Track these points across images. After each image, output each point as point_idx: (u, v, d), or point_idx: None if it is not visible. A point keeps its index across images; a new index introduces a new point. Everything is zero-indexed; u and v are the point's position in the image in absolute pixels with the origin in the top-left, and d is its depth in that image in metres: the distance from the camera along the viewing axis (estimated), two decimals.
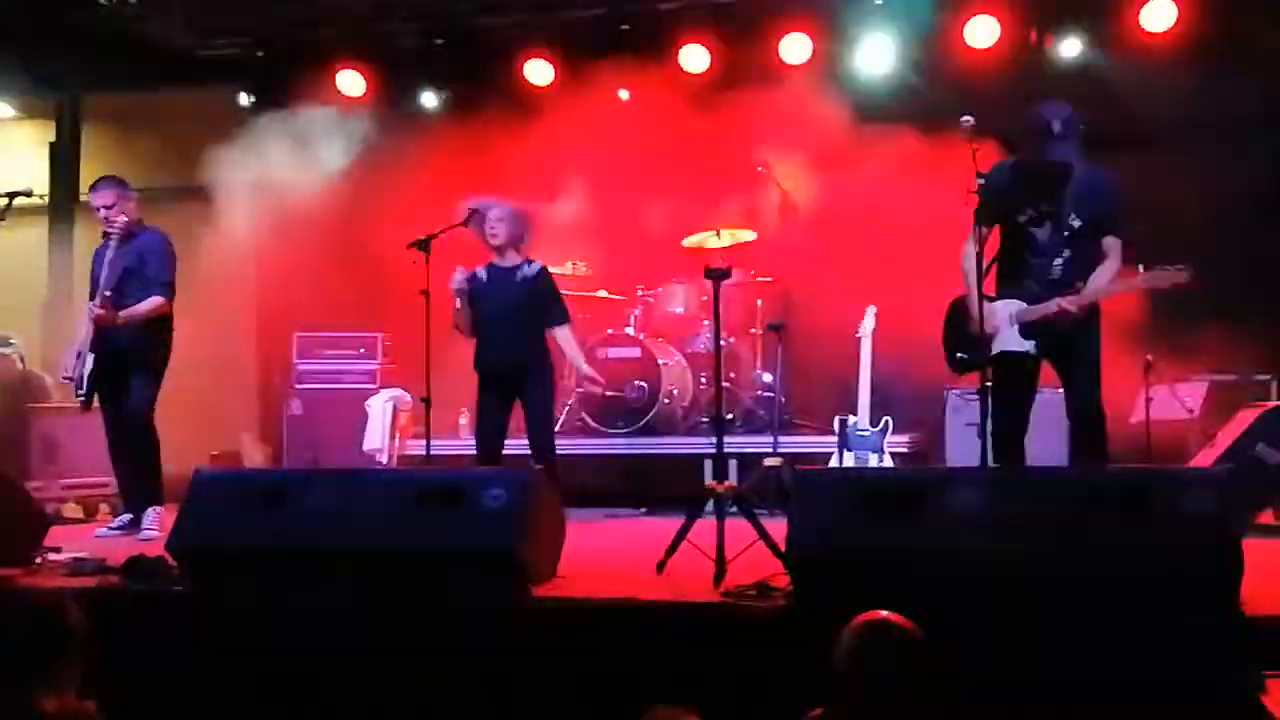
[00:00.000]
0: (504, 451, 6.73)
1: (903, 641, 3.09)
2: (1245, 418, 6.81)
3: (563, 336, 6.83)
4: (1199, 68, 8.41)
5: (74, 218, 11.14)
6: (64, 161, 11.29)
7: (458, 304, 6.56)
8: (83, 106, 11.28)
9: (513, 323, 6.58)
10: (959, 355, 5.59)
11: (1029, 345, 5.38)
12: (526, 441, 6.71)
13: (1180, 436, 7.39)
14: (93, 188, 7.12)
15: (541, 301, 6.70)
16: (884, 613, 3.17)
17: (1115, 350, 7.58)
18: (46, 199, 11.14)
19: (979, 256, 5.29)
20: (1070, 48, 8.67)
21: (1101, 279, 5.32)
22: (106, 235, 7.00)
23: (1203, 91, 8.62)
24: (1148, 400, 7.30)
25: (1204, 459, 6.77)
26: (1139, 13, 8.33)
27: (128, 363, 6.90)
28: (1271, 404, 7.05)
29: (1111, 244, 5.35)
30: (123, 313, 6.80)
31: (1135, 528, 4.14)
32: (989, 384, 5.39)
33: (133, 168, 10.33)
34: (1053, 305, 5.28)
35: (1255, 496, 6.38)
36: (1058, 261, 5.35)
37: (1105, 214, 5.35)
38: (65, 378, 6.97)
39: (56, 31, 9.48)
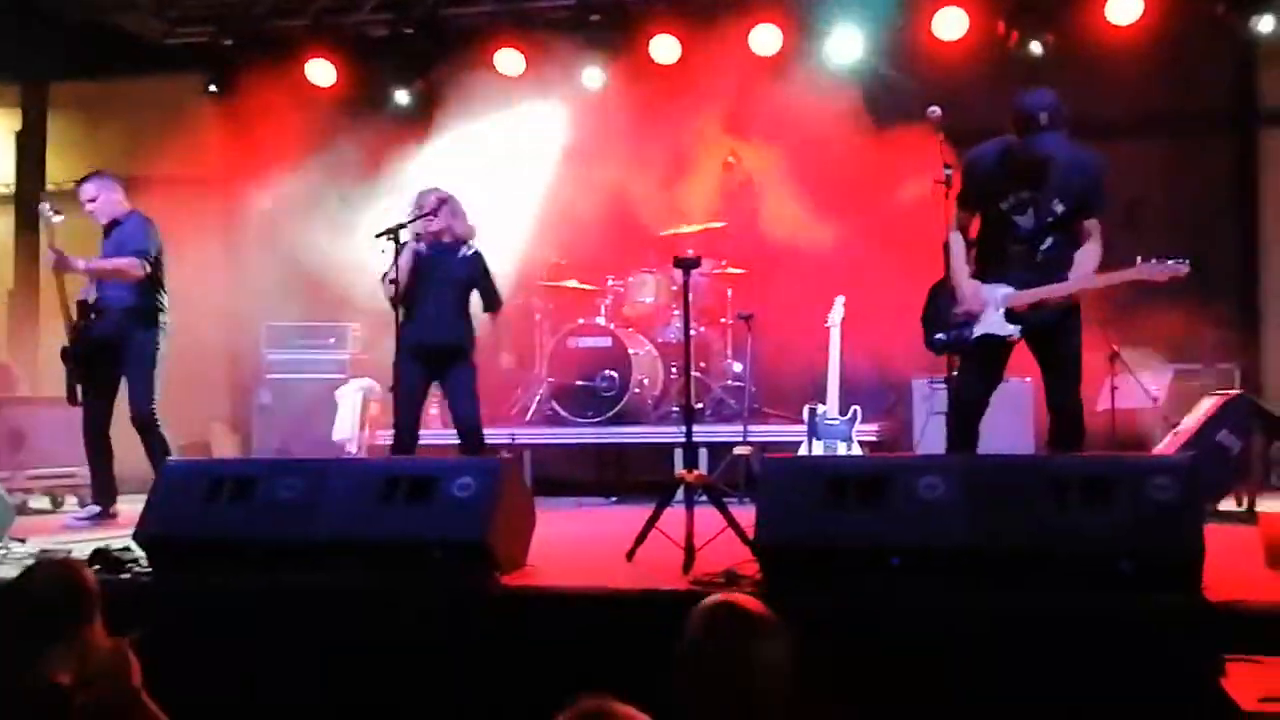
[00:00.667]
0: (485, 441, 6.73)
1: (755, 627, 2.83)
2: (1209, 406, 6.89)
3: (496, 320, 6.86)
4: (1164, 61, 8.49)
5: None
6: (30, 150, 11.19)
7: (394, 274, 6.29)
8: (49, 95, 11.18)
9: (448, 302, 6.58)
10: (938, 336, 5.53)
11: (1013, 330, 5.36)
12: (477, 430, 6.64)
13: (1145, 424, 7.48)
14: (78, 184, 7.12)
15: (479, 285, 6.69)
16: (738, 596, 2.96)
17: (1082, 340, 7.67)
18: (13, 188, 11.05)
19: (962, 239, 5.43)
20: (1038, 41, 8.70)
21: (1087, 265, 5.30)
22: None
23: (1168, 84, 8.71)
24: (1113, 389, 7.38)
25: (1168, 446, 6.85)
26: (1105, 5, 8.38)
27: (116, 353, 6.88)
28: (1234, 392, 7.13)
29: (1093, 225, 5.33)
30: (84, 262, 6.81)
31: (1099, 514, 4.19)
32: (957, 370, 5.47)
33: (100, 156, 10.29)
34: (1043, 292, 5.28)
35: (1218, 483, 6.45)
36: (1043, 247, 5.34)
37: (1089, 198, 5.33)
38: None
39: (22, 19, 9.39)
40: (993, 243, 5.43)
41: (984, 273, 5.44)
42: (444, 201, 6.62)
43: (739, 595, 2.96)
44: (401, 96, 9.81)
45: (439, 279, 6.56)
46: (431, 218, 6.55)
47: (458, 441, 6.73)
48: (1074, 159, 5.24)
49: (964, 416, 5.46)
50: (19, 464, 8.03)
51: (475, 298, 6.77)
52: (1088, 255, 5.30)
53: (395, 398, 6.58)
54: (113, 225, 6.99)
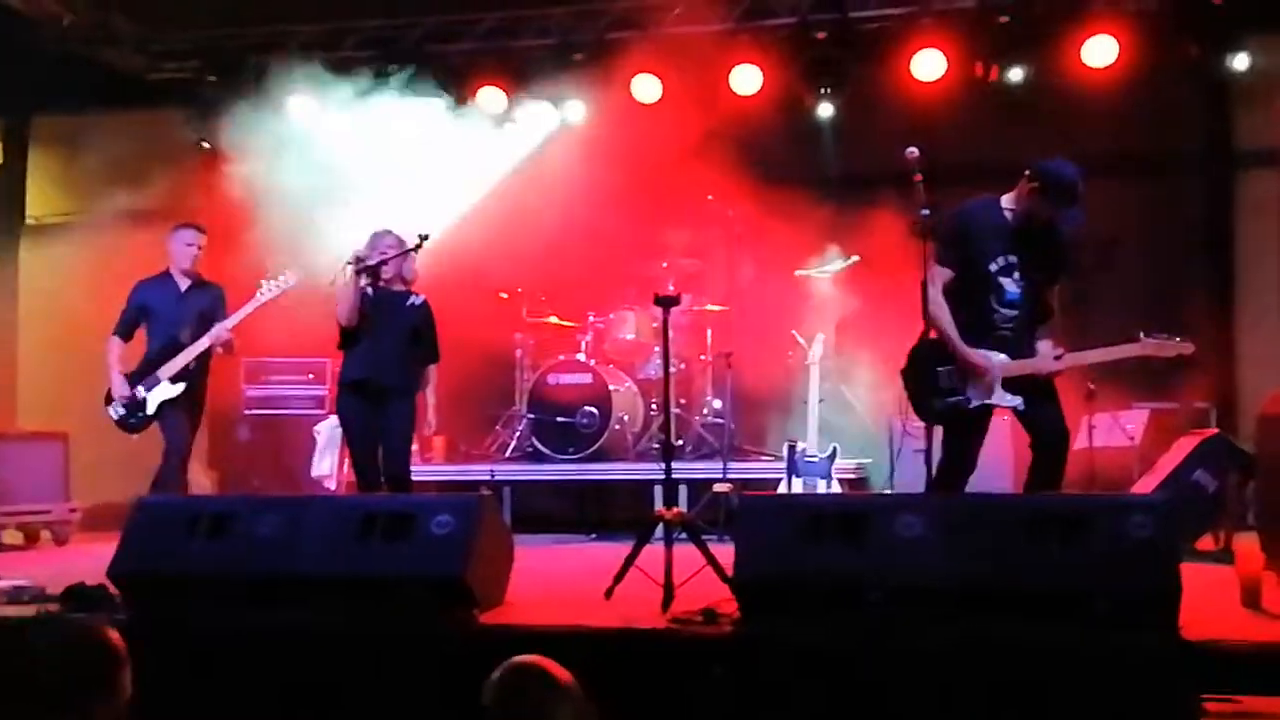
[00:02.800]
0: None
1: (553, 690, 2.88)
2: (1185, 445, 6.92)
3: (430, 372, 6.74)
4: (1140, 102, 8.59)
5: (19, 240, 11.00)
6: (10, 184, 11.15)
7: (348, 287, 6.33)
8: (30, 128, 11.15)
9: (397, 344, 6.48)
10: (936, 404, 5.29)
11: (1017, 401, 5.27)
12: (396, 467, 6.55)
13: (1122, 463, 7.50)
14: (181, 227, 7.36)
15: (423, 335, 6.62)
16: (536, 658, 2.98)
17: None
18: None
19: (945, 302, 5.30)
20: (1015, 82, 8.79)
21: (1089, 355, 5.38)
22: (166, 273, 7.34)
23: (1144, 125, 8.81)
24: (1090, 428, 7.40)
25: (1144, 485, 6.88)
26: (1081, 47, 8.47)
27: (182, 398, 7.14)
28: (1210, 431, 7.18)
29: (1053, 293, 5.41)
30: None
31: (1076, 553, 4.20)
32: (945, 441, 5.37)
33: (80, 191, 10.29)
34: (1051, 365, 5.28)
35: (1194, 522, 6.48)
36: (1026, 312, 5.32)
37: (1065, 265, 5.44)
38: (124, 398, 7.14)
39: (3, 52, 9.39)
40: (974, 303, 5.31)
41: (963, 334, 5.31)
42: (403, 244, 6.54)
43: (535, 657, 2.96)
44: (383, 131, 9.79)
45: (387, 322, 6.50)
46: (397, 259, 6.50)
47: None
48: (1068, 230, 5.30)
49: (955, 484, 5.32)
50: None
51: None
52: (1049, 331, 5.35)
53: (348, 439, 6.57)
54: (200, 281, 7.36)
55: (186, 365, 7.11)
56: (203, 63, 9.97)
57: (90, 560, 5.66)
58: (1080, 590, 4.14)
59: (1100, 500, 4.81)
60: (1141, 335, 5.32)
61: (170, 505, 5.46)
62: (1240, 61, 8.45)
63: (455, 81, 9.46)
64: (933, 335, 5.23)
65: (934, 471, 5.23)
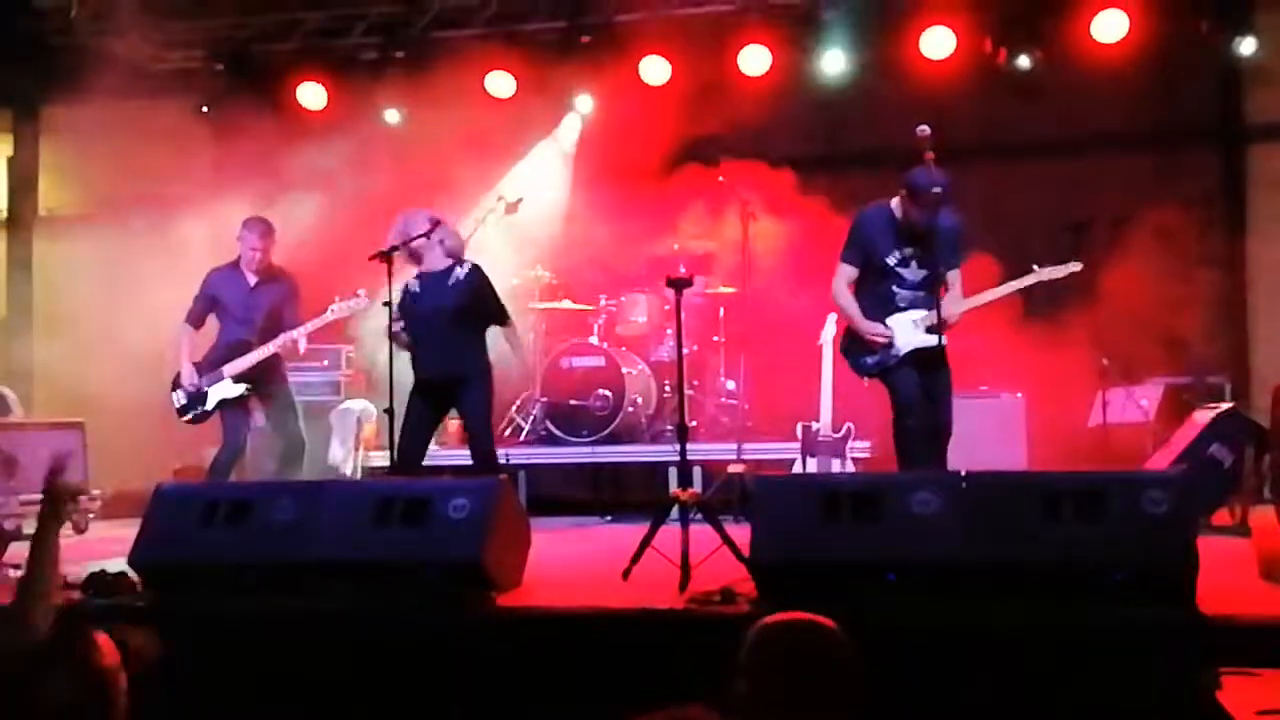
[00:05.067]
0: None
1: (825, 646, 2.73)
2: (1200, 419, 6.91)
3: (507, 335, 6.65)
4: (1150, 77, 8.55)
5: (33, 233, 11.03)
6: (22, 176, 11.18)
7: (394, 327, 6.35)
8: (40, 120, 11.17)
9: (447, 330, 6.37)
10: (867, 360, 6.22)
11: (934, 338, 6.01)
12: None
13: (1137, 439, 7.50)
14: (244, 226, 7.31)
15: (478, 303, 6.48)
16: (799, 615, 2.80)
17: (1072, 355, 7.72)
18: (4, 213, 11.04)
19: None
20: (1025, 58, 8.75)
21: (964, 301, 6.18)
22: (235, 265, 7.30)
23: (1154, 100, 8.77)
24: (1104, 404, 7.40)
25: (1159, 460, 6.87)
26: (1091, 23, 8.43)
27: (247, 397, 7.24)
28: (1225, 405, 7.16)
29: (956, 275, 6.20)
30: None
31: (1093, 529, 4.21)
32: (908, 384, 6.08)
33: (92, 180, 10.31)
34: (963, 305, 6.14)
35: (1210, 497, 6.47)
36: (922, 294, 6.12)
37: (957, 255, 6.19)
38: (190, 388, 7.18)
39: (12, 44, 9.41)
40: (877, 290, 6.17)
41: (873, 316, 6.17)
42: (436, 224, 6.48)
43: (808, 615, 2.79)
44: (391, 118, 9.81)
45: (431, 312, 6.39)
46: (425, 240, 6.46)
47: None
48: (949, 226, 6.06)
49: (928, 427, 6.06)
50: (12, 490, 8.00)
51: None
52: (958, 293, 6.18)
53: (403, 426, 6.44)
54: (269, 276, 7.34)
55: (251, 367, 7.11)
56: (210, 52, 9.97)
57: (110, 548, 5.71)
58: (1097, 565, 4.15)
59: (1116, 476, 4.80)
60: (1035, 266, 6.16)
61: (189, 492, 5.49)
62: (1247, 45, 8.40)
63: (462, 66, 9.44)
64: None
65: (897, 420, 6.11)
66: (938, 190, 5.82)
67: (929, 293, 6.11)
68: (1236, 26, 8.39)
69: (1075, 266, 6.20)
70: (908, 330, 6.13)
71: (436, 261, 6.48)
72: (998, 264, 6.87)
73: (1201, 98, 9.10)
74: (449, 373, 6.42)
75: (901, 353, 6.12)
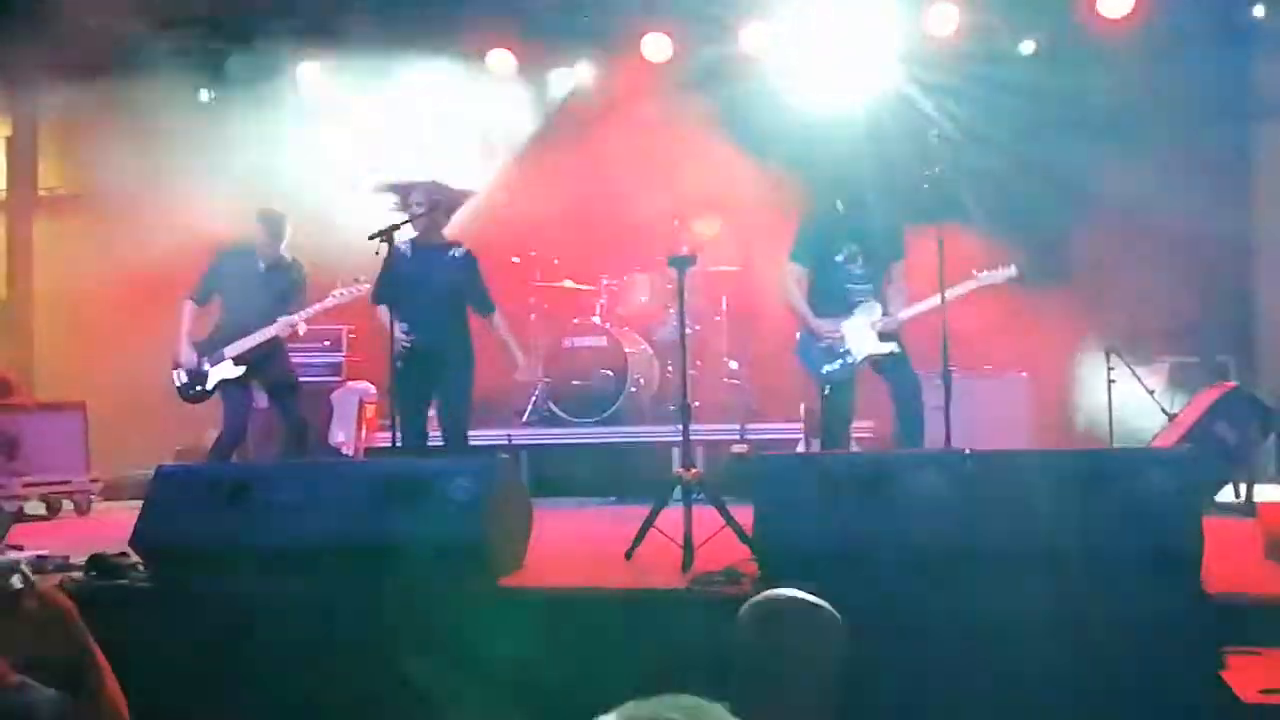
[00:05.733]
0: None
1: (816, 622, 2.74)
2: (1205, 398, 6.89)
3: (497, 324, 6.64)
4: (1158, 53, 8.48)
5: (32, 213, 11.00)
6: (21, 156, 11.14)
7: (402, 340, 6.23)
8: (39, 100, 11.12)
9: (435, 304, 6.35)
10: (827, 369, 6.34)
11: (892, 345, 6.28)
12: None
13: (1142, 417, 7.46)
14: (259, 218, 7.25)
15: (469, 285, 6.47)
16: (787, 590, 2.83)
17: (1077, 334, 7.69)
18: (4, 195, 11.01)
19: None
20: (1030, 33, 8.69)
21: (906, 296, 6.35)
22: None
23: (1162, 77, 8.70)
24: (1110, 382, 7.37)
25: (1165, 439, 6.85)
26: None
27: (246, 378, 7.22)
28: (1230, 384, 7.14)
29: (897, 268, 6.43)
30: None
31: (1098, 508, 4.19)
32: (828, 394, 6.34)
33: (91, 161, 10.27)
34: (910, 311, 6.30)
35: (1215, 476, 6.45)
36: (872, 286, 6.37)
37: (898, 249, 6.41)
38: (189, 367, 7.13)
39: (9, 24, 9.35)
40: (826, 287, 6.39)
41: (821, 311, 6.39)
42: (433, 196, 6.40)
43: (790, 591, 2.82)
44: (390, 96, 9.74)
45: (425, 280, 6.36)
46: (420, 213, 6.36)
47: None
48: (886, 220, 6.31)
49: (843, 433, 6.37)
50: (14, 471, 8.01)
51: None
52: (901, 291, 6.36)
53: (402, 407, 6.33)
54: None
55: (251, 349, 7.09)
56: (209, 30, 9.92)
57: (112, 530, 5.71)
58: (1102, 544, 4.12)
59: (1121, 454, 4.78)
60: (974, 272, 6.32)
61: (190, 474, 5.49)
62: (1259, 9, 8.33)
63: (464, 45, 9.38)
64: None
65: (826, 430, 6.38)
66: (867, 193, 6.21)
67: (876, 288, 6.35)
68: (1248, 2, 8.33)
69: (1012, 271, 6.32)
70: (862, 335, 6.30)
71: (434, 235, 6.45)
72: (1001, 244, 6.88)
73: (1210, 74, 9.03)
74: (432, 346, 6.37)
75: (858, 360, 6.31)
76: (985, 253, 6.61)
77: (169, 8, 9.76)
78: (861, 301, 6.35)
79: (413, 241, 6.47)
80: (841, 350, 6.32)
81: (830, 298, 6.41)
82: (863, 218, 6.32)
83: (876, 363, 6.37)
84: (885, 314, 6.34)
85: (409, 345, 6.26)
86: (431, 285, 6.39)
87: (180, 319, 7.19)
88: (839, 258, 6.37)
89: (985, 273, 6.35)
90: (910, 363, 6.40)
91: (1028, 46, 8.71)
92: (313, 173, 8.83)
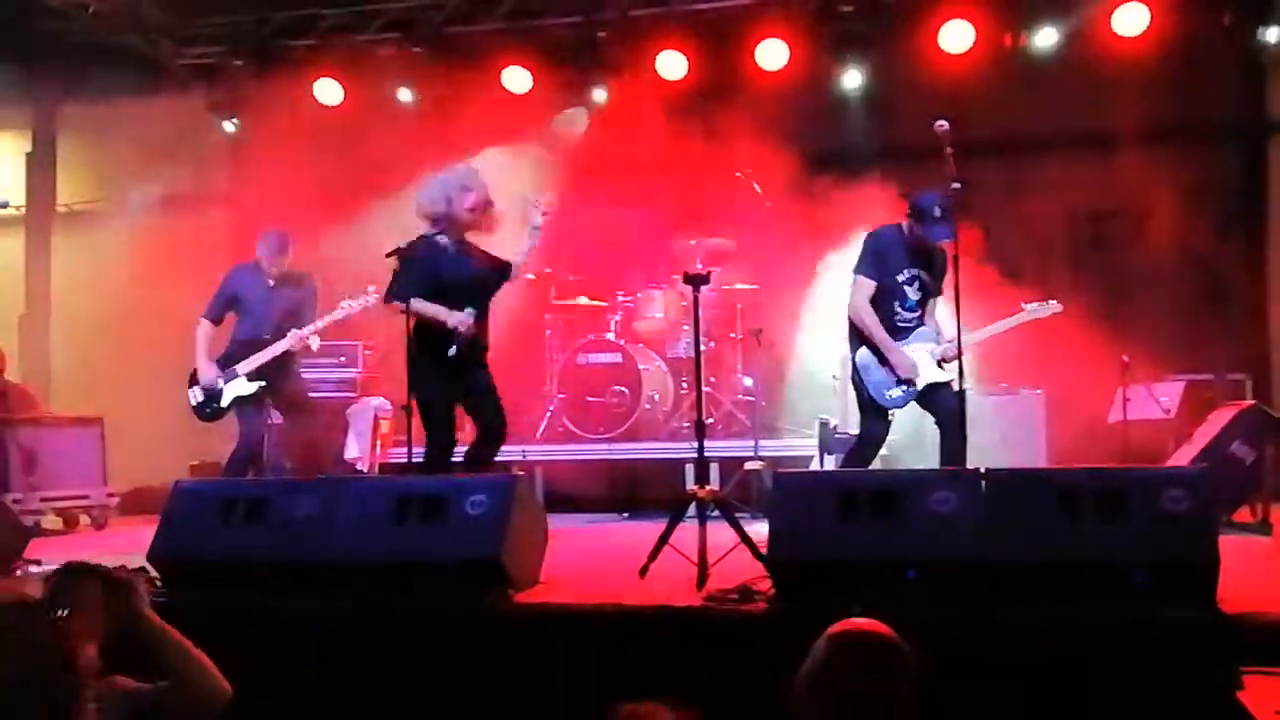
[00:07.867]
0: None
1: (890, 655, 2.70)
2: (1221, 416, 6.87)
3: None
4: (1173, 71, 8.48)
5: (51, 229, 11.08)
6: (40, 172, 11.23)
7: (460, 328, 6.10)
8: (59, 117, 11.22)
9: (478, 299, 6.19)
10: (892, 395, 6.21)
11: (949, 374, 6.12)
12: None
13: (1158, 436, 7.45)
14: (262, 238, 7.33)
15: (497, 285, 6.36)
16: (862, 621, 2.76)
17: (1093, 352, 7.67)
18: (24, 210, 11.10)
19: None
20: (1045, 47, 8.70)
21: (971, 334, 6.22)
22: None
23: (1176, 94, 8.71)
24: (1125, 400, 7.36)
25: (1181, 457, 6.82)
26: (1112, 16, 8.38)
27: (262, 393, 7.29)
28: (1246, 403, 7.11)
29: (937, 302, 6.34)
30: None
31: (1114, 527, 4.18)
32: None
33: (110, 177, 10.36)
34: (972, 339, 6.25)
35: (1231, 494, 6.43)
36: (918, 315, 6.29)
37: (942, 277, 6.22)
38: (207, 385, 7.18)
39: (31, 42, 9.45)
40: (885, 308, 6.25)
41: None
42: (487, 197, 6.30)
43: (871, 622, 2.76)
44: (408, 111, 9.80)
45: (470, 275, 6.22)
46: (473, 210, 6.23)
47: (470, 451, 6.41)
48: (942, 251, 6.13)
49: (873, 457, 6.31)
50: (32, 485, 8.05)
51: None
52: (936, 323, 6.32)
53: (437, 417, 6.17)
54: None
55: (264, 365, 7.14)
56: (227, 48, 10.00)
57: (129, 544, 5.74)
58: (1118, 563, 4.12)
59: (1136, 473, 4.76)
60: (1022, 305, 6.45)
61: (208, 489, 5.49)
62: (1272, 34, 8.33)
63: (480, 62, 9.44)
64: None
65: (857, 449, 6.29)
66: (936, 207, 5.96)
67: (921, 316, 6.30)
68: (1260, 18, 8.32)
69: (1056, 306, 6.48)
70: (925, 364, 6.22)
71: (465, 234, 6.32)
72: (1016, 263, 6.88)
73: (1223, 92, 9.03)
74: (480, 342, 6.24)
75: (920, 389, 6.21)
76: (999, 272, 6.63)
77: (188, 26, 9.86)
78: (911, 327, 6.25)
79: (456, 240, 6.32)
80: (906, 378, 6.19)
81: (883, 317, 6.23)
82: (926, 238, 6.15)
83: (929, 389, 6.27)
84: (941, 341, 6.23)
85: (463, 334, 6.14)
86: (476, 281, 6.25)
87: (197, 340, 7.26)
88: (901, 277, 6.25)
89: (1032, 305, 6.47)
90: (952, 385, 6.23)
91: (1043, 60, 8.70)
92: (330, 188, 8.90)
